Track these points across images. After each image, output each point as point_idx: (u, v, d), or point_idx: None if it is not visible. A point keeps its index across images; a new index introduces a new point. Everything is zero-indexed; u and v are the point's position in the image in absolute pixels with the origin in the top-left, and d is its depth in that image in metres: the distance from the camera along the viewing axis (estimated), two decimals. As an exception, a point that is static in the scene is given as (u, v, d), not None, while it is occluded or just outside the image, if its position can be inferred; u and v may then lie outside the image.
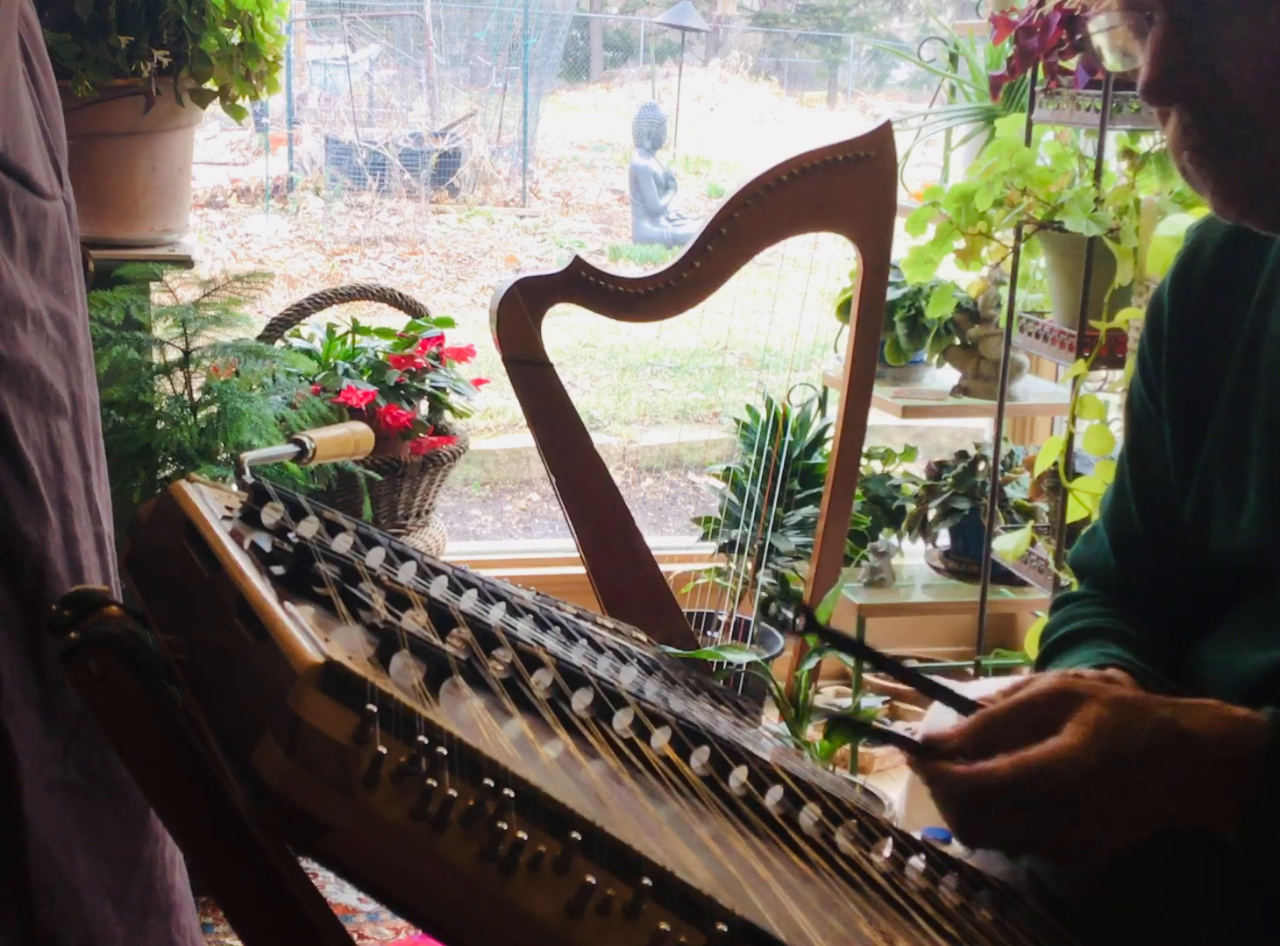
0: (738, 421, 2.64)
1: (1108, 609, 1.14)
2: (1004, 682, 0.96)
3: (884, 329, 2.35)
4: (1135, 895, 1.04)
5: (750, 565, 2.48)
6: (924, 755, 0.85)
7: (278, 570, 0.78)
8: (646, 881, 0.63)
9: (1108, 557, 1.16)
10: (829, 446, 2.42)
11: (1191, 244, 1.09)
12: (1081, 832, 0.82)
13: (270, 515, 0.85)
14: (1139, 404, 1.13)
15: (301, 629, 0.68)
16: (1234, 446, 1.03)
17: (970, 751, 0.84)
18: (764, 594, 2.47)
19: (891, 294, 2.44)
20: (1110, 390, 2.10)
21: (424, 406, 2.52)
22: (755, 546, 2.48)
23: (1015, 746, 0.82)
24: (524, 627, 0.89)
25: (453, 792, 0.63)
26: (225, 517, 0.84)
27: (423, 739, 0.64)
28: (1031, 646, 1.98)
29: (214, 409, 2.06)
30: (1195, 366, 1.06)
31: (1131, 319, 1.98)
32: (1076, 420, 2.05)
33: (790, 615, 0.77)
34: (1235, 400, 1.03)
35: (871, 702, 2.04)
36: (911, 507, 2.62)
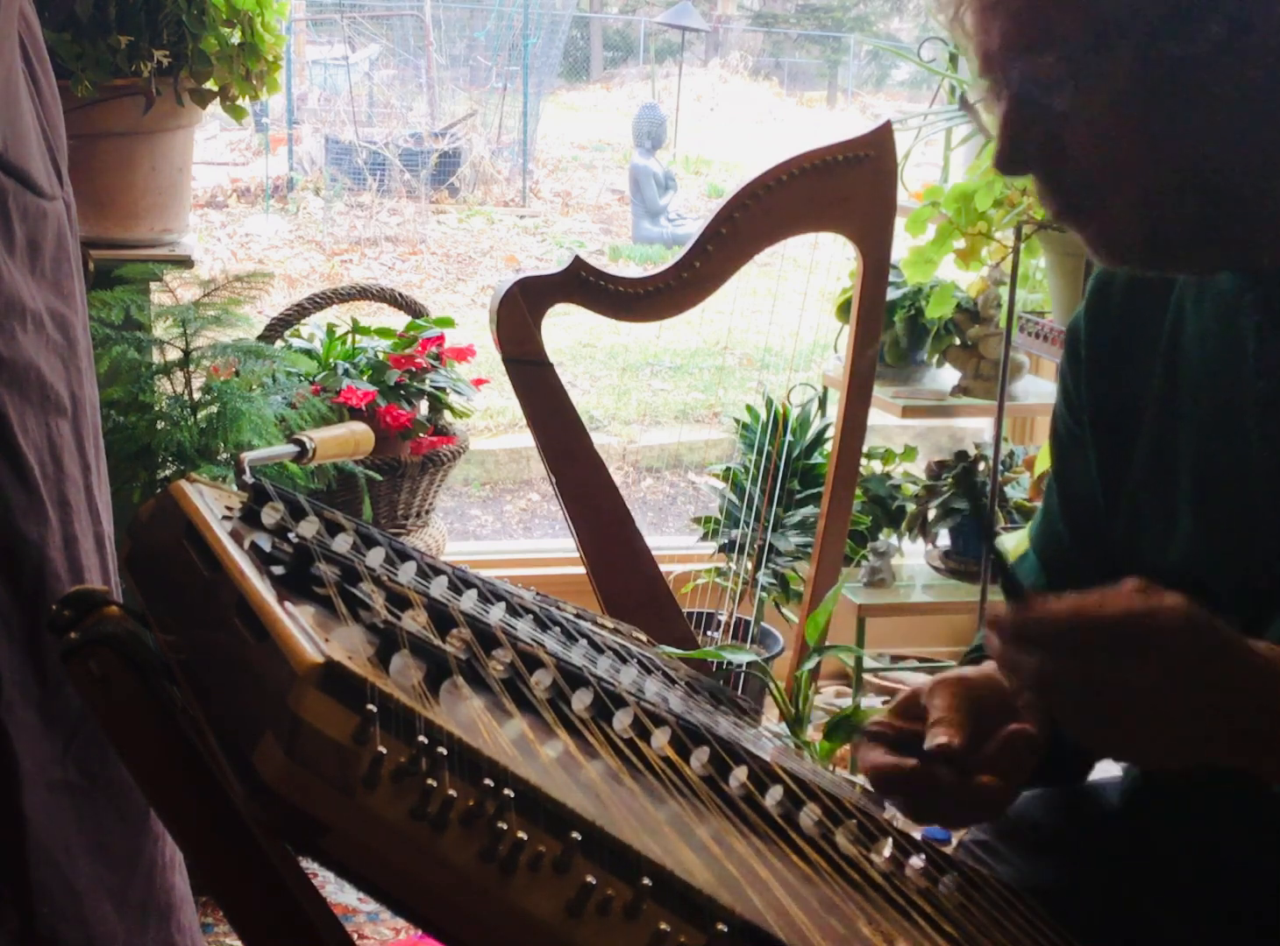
0: (738, 421, 2.64)
1: None
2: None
3: (884, 329, 2.35)
4: (1132, 895, 1.04)
5: (750, 565, 2.48)
6: (1021, 599, 0.83)
7: (278, 570, 0.78)
8: (646, 881, 0.63)
9: (1039, 579, 1.17)
10: (829, 446, 2.42)
11: (1103, 272, 1.10)
12: (1161, 693, 0.79)
13: (270, 515, 0.85)
14: (1062, 426, 1.14)
15: (301, 629, 0.68)
16: (1159, 467, 1.04)
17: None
18: (762, 594, 2.48)
19: (891, 294, 2.44)
20: (1110, 390, 2.10)
21: (424, 406, 2.52)
22: (755, 546, 2.48)
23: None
24: (524, 627, 0.89)
25: (453, 792, 0.63)
26: (225, 517, 0.84)
27: (423, 739, 0.64)
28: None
29: (214, 409, 2.06)
30: (1116, 387, 1.07)
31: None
32: (1076, 420, 2.04)
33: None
34: (1157, 420, 1.04)
35: (872, 702, 2.04)
36: (911, 508, 2.62)
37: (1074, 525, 1.14)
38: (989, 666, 1.02)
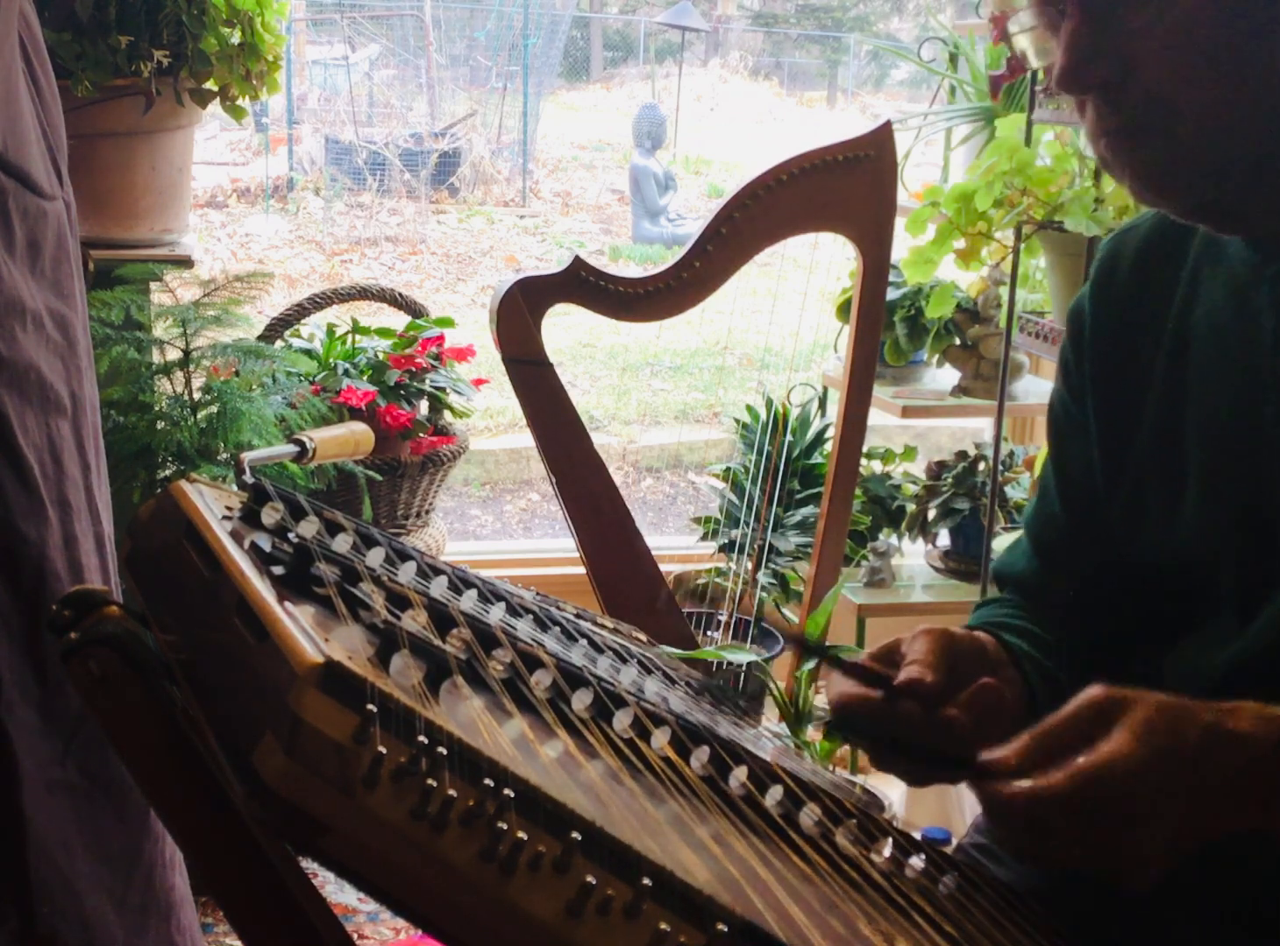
0: (738, 421, 2.64)
1: (1021, 611, 1.15)
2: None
3: (884, 329, 2.35)
4: (1130, 898, 1.04)
5: (750, 565, 2.48)
6: (982, 777, 0.84)
7: (278, 570, 0.78)
8: (646, 881, 0.63)
9: (1029, 563, 1.17)
10: (829, 446, 2.42)
11: (1109, 252, 1.11)
12: (1137, 839, 0.80)
13: (270, 515, 0.85)
14: (1061, 410, 1.14)
15: (301, 629, 0.68)
16: (1166, 447, 1.04)
17: (1026, 769, 0.83)
18: (763, 594, 2.48)
19: (891, 294, 2.44)
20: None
21: (424, 406, 2.52)
22: (755, 546, 2.48)
23: (1067, 758, 0.81)
24: (524, 627, 0.89)
25: (453, 792, 0.63)
26: (225, 517, 0.84)
27: (423, 739, 0.64)
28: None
29: (214, 409, 2.06)
30: (1121, 370, 1.08)
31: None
32: (1076, 420, 2.04)
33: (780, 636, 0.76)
34: (1163, 401, 1.04)
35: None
36: (911, 508, 2.62)
37: (1071, 509, 1.14)
38: (976, 632, 1.04)
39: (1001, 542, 2.25)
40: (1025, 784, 0.82)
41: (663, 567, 2.20)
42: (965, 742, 0.92)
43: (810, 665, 2.08)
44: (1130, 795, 0.80)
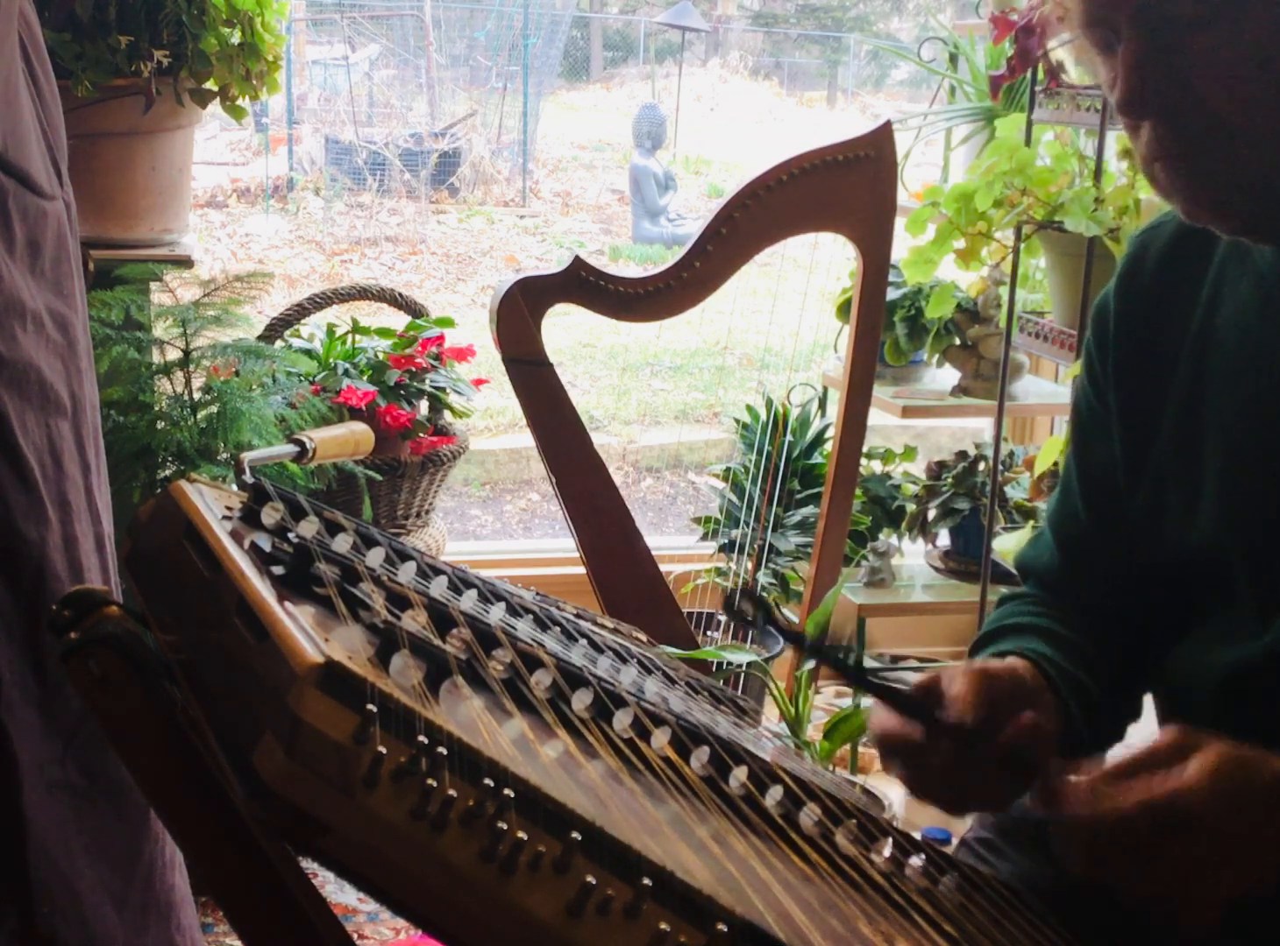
0: (738, 421, 2.64)
1: (1045, 609, 1.15)
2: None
3: (884, 329, 2.35)
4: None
5: (750, 565, 2.48)
6: (1048, 798, 0.85)
7: (278, 570, 0.78)
8: (646, 881, 0.63)
9: (1052, 558, 1.17)
10: (829, 446, 2.42)
11: (1136, 250, 1.11)
12: (1197, 876, 0.81)
13: (270, 515, 0.85)
14: (1085, 406, 1.14)
15: (301, 629, 0.68)
16: (1186, 445, 1.04)
17: (1097, 796, 0.83)
18: (762, 594, 2.48)
19: (891, 294, 2.44)
20: (1110, 390, 2.10)
21: (424, 406, 2.52)
22: (755, 546, 2.48)
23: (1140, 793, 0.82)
24: (524, 627, 0.89)
25: (453, 792, 0.63)
26: (225, 517, 0.84)
27: (423, 739, 0.64)
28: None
29: (214, 409, 2.06)
30: (1144, 367, 1.08)
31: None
32: (1076, 420, 2.04)
33: (745, 608, 0.76)
34: (1185, 399, 1.05)
35: (872, 703, 2.04)
36: (911, 508, 2.62)
37: (1092, 505, 1.14)
38: (1012, 661, 1.04)
39: (1001, 542, 2.25)
40: (1095, 809, 0.82)
41: (663, 567, 2.20)
42: (994, 782, 0.93)
43: (809, 665, 2.08)
44: (1196, 830, 0.80)
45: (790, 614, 2.54)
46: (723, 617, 2.48)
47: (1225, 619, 1.02)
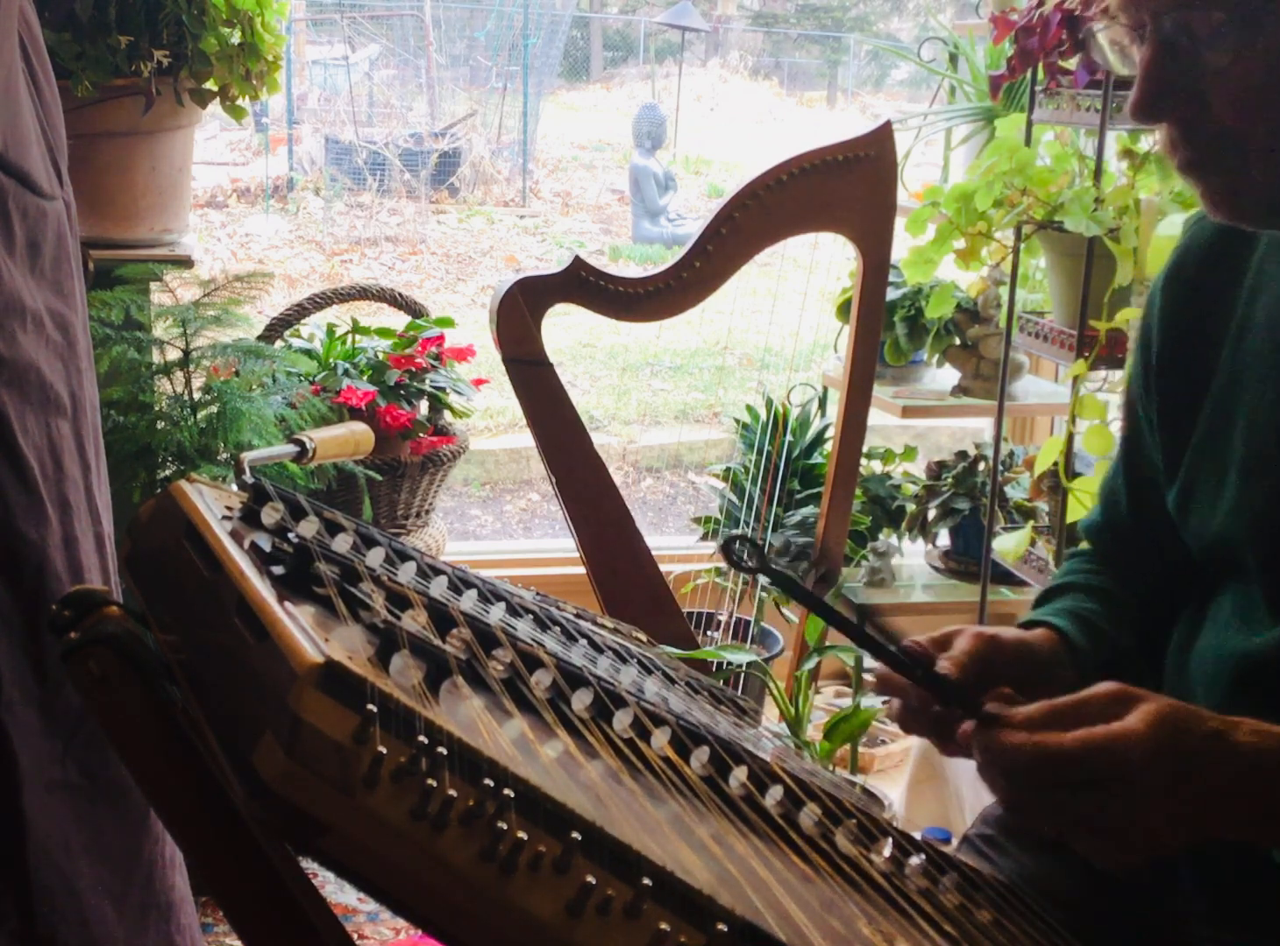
0: (738, 421, 2.64)
1: (1102, 566, 1.20)
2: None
3: (884, 329, 2.35)
4: (1132, 895, 1.04)
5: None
6: (988, 723, 0.86)
7: (278, 570, 0.78)
8: (646, 881, 0.63)
9: (1102, 529, 1.22)
10: (829, 446, 2.42)
11: (1185, 240, 1.13)
12: (1132, 817, 0.82)
13: (270, 515, 0.85)
14: (1135, 395, 1.16)
15: (301, 629, 0.68)
16: (1218, 436, 1.05)
17: (1032, 727, 0.85)
18: (763, 594, 2.48)
19: (891, 294, 2.44)
20: (1110, 390, 2.10)
21: (424, 406, 2.52)
22: (755, 546, 2.48)
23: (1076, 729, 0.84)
24: (524, 627, 0.89)
25: (453, 792, 0.63)
26: (225, 517, 0.84)
27: (423, 739, 0.64)
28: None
29: (214, 409, 2.06)
30: (1186, 359, 1.09)
31: (1131, 319, 1.98)
32: (1076, 420, 2.05)
33: (742, 554, 0.77)
34: (1222, 390, 1.06)
35: (871, 702, 2.04)
36: (911, 508, 2.62)
37: (1133, 491, 1.17)
38: (1038, 633, 1.08)
39: (1001, 543, 2.25)
40: (1035, 735, 0.82)
41: (663, 567, 2.20)
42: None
43: (810, 665, 2.08)
44: (1131, 773, 0.82)
45: (790, 614, 2.54)
46: (723, 616, 2.48)
47: (1241, 609, 1.03)
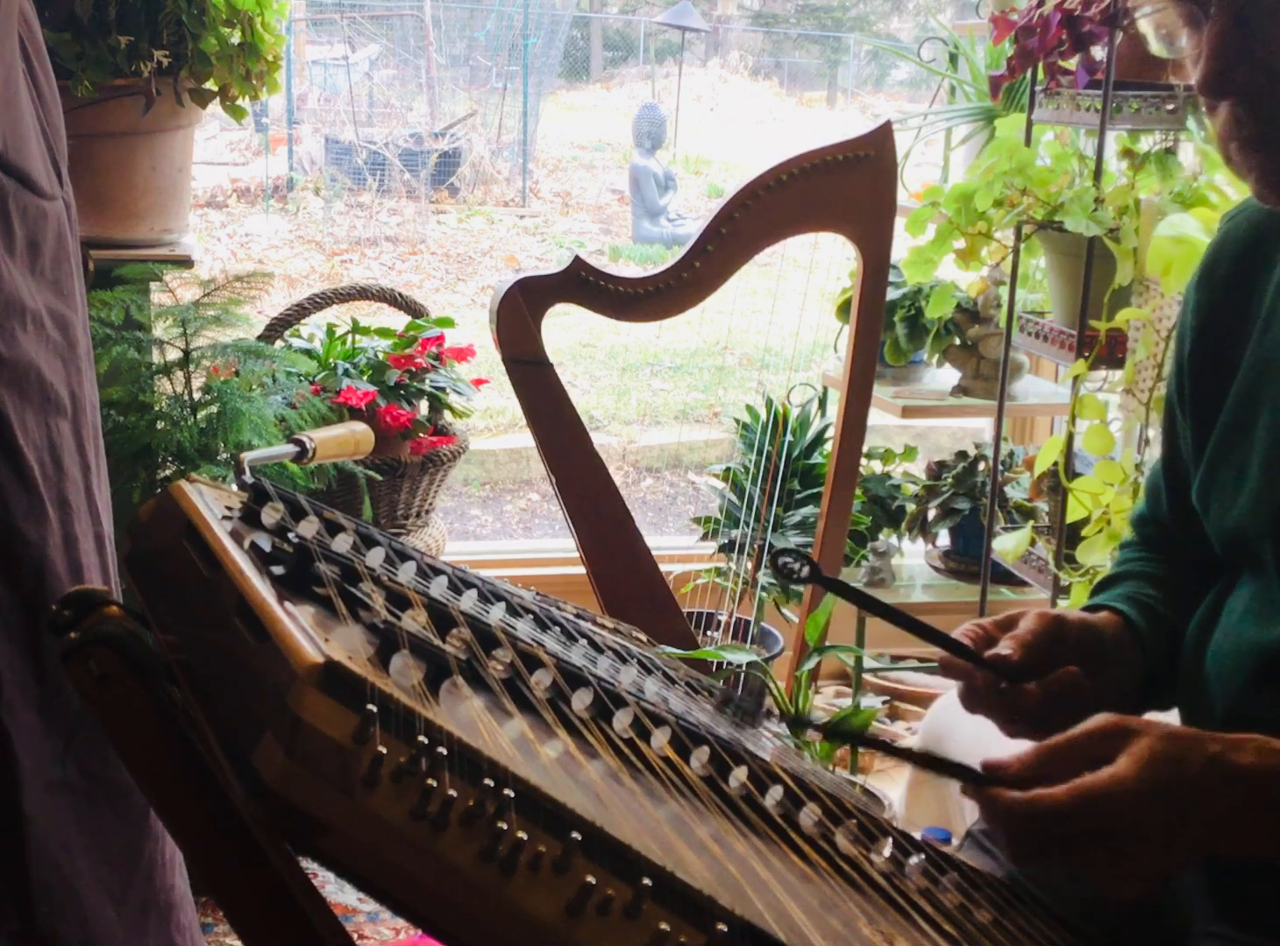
0: (738, 421, 2.64)
1: (1151, 554, 1.22)
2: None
3: (884, 329, 2.35)
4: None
5: (750, 565, 2.48)
6: (983, 783, 0.87)
7: (278, 570, 0.78)
8: (646, 881, 0.63)
9: (1147, 522, 1.24)
10: (829, 446, 2.42)
11: (1219, 236, 1.13)
12: (1134, 859, 0.83)
13: (270, 515, 0.85)
14: (1172, 393, 1.17)
15: (301, 629, 0.68)
16: (1241, 427, 1.05)
17: (1026, 780, 0.85)
18: (762, 594, 2.48)
19: (891, 294, 2.44)
20: (1110, 390, 2.10)
21: (424, 406, 2.52)
22: (755, 546, 2.48)
23: (1071, 777, 0.84)
24: (524, 627, 0.89)
25: (453, 792, 0.63)
26: (225, 517, 0.84)
27: (423, 739, 0.64)
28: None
29: (214, 409, 2.06)
30: (1216, 353, 1.09)
31: (1131, 319, 1.98)
32: (1076, 420, 2.05)
33: (795, 566, 0.80)
34: (1247, 383, 1.06)
35: (871, 702, 2.04)
36: (911, 507, 2.62)
37: (1172, 485, 1.18)
38: (1103, 615, 1.10)
39: (1001, 543, 2.25)
40: (1027, 793, 0.83)
41: (663, 567, 2.20)
42: (1032, 715, 0.99)
43: (810, 665, 2.07)
44: (1127, 821, 0.82)
45: (790, 614, 2.54)
46: (723, 616, 2.48)
47: (1258, 601, 1.03)
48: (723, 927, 0.63)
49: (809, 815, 0.83)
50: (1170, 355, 1.19)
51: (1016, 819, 0.83)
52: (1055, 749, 0.86)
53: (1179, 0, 0.94)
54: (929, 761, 0.94)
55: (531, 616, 0.92)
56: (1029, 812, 0.83)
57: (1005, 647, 1.00)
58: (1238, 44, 0.91)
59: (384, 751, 0.62)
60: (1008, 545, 2.22)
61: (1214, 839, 0.83)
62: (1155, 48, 0.99)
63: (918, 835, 0.90)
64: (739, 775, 0.82)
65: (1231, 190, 1.97)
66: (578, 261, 2.08)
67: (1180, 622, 1.12)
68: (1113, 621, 1.10)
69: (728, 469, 2.60)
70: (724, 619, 2.48)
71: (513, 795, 0.64)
